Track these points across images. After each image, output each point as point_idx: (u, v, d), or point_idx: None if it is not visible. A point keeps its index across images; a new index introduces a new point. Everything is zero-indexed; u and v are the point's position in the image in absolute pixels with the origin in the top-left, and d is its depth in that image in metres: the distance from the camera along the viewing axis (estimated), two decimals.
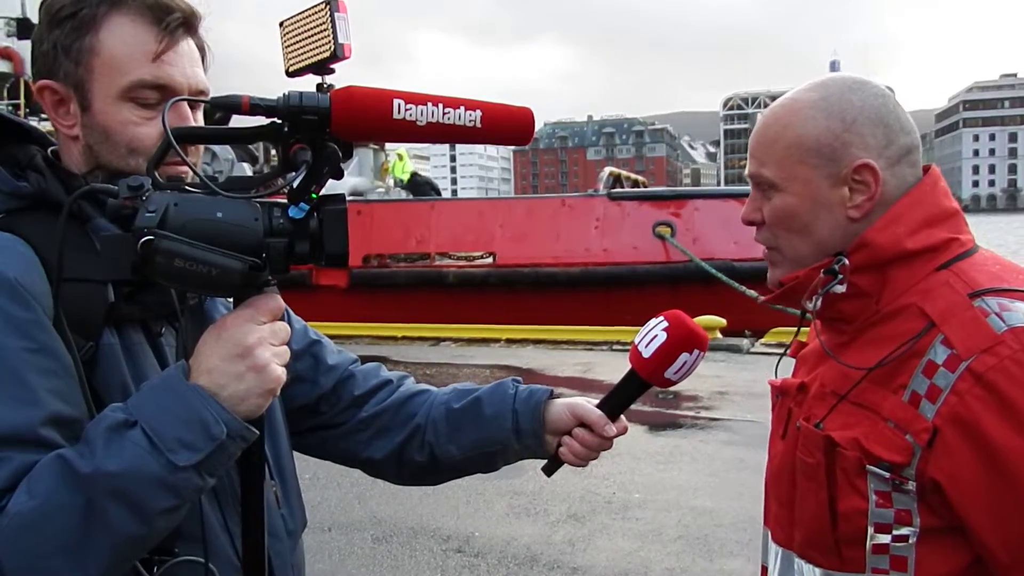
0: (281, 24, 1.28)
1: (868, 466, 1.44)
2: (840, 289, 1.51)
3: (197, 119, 1.50)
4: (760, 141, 1.59)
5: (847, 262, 1.50)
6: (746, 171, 1.64)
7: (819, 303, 1.53)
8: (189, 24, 1.47)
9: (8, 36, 21.58)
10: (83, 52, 1.42)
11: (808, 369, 1.65)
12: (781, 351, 1.84)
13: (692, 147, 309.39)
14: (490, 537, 5.77)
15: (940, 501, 1.40)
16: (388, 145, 19.38)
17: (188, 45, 1.47)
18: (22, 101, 18.88)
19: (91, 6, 1.42)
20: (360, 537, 5.81)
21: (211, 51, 1.53)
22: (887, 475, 1.42)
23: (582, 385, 9.86)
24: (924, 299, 1.46)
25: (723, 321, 11.55)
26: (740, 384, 9.58)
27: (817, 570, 1.55)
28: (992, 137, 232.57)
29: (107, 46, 1.41)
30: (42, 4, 1.46)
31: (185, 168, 1.44)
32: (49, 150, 1.50)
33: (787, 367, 1.78)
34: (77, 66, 1.42)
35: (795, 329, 1.77)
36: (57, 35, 1.42)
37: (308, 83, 1.24)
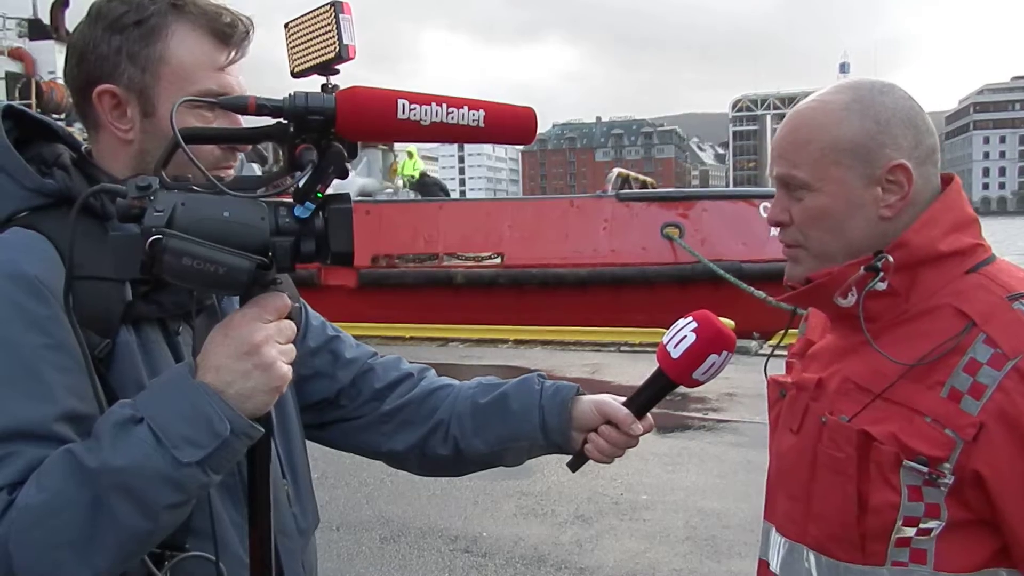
0: (286, 25, 1.30)
1: (905, 460, 1.47)
2: (882, 286, 1.54)
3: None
4: (791, 143, 1.61)
5: (891, 259, 1.53)
6: (772, 173, 1.65)
7: (859, 300, 1.55)
8: (248, 35, 1.52)
9: (20, 37, 21.69)
10: (151, 59, 1.45)
11: (822, 366, 1.67)
12: (781, 351, 1.85)
13: (701, 148, 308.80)
14: (498, 537, 5.79)
15: (977, 494, 1.45)
16: (397, 145, 19.43)
17: (244, 53, 1.52)
18: (33, 101, 18.95)
19: (158, 15, 1.45)
20: (368, 537, 5.83)
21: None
22: (924, 469, 1.46)
23: (590, 386, 9.74)
24: (959, 300, 1.51)
25: (731, 322, 11.47)
26: (748, 385, 9.54)
27: (834, 563, 1.57)
28: (1003, 139, 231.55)
29: (176, 55, 1.45)
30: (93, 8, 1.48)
31: (231, 169, 1.49)
32: (83, 149, 1.53)
33: (774, 366, 1.81)
34: (143, 72, 1.45)
35: (784, 331, 1.80)
36: (120, 41, 1.45)
37: (313, 84, 1.26)
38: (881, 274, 1.53)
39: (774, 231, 1.72)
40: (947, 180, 1.63)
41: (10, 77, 20.26)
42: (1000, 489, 1.43)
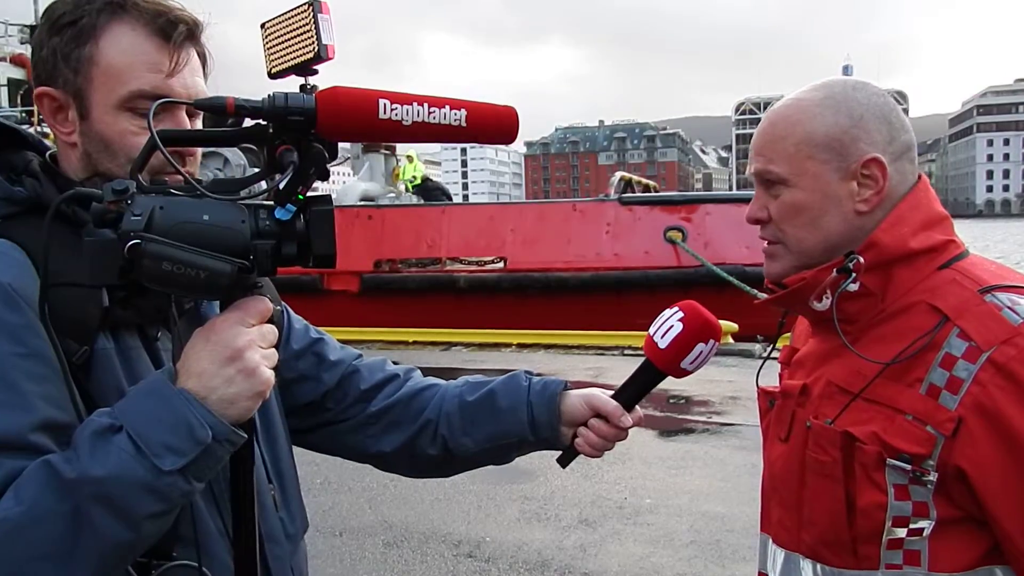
0: (263, 25, 1.27)
1: (888, 459, 1.47)
2: (853, 287, 1.54)
3: (195, 126, 1.49)
4: (767, 139, 1.63)
5: (862, 260, 1.54)
6: (750, 170, 1.67)
7: (832, 302, 1.56)
8: (193, 35, 1.47)
9: (22, 43, 21.79)
10: (82, 61, 1.41)
11: (807, 372, 1.67)
12: (768, 358, 1.85)
13: (704, 152, 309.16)
14: (501, 542, 5.77)
15: (962, 490, 1.45)
16: (398, 149, 19.45)
17: (189, 54, 1.47)
18: (35, 108, 18.99)
19: (91, 15, 1.41)
20: (371, 542, 5.81)
21: (212, 58, 1.53)
22: (907, 467, 1.46)
23: None
24: (933, 296, 1.51)
25: (735, 326, 11.51)
26: (751, 389, 9.32)
27: (828, 569, 1.57)
28: (1007, 142, 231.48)
29: (106, 56, 1.41)
30: (44, 10, 1.46)
31: (179, 176, 1.44)
32: (48, 155, 1.50)
33: (766, 374, 1.82)
34: (76, 74, 1.42)
35: (777, 335, 1.82)
36: (57, 42, 1.42)
37: (291, 85, 1.23)
38: (853, 275, 1.54)
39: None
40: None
41: (12, 84, 20.34)
42: (983, 484, 1.43)
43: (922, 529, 1.47)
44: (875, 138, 1.56)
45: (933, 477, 1.45)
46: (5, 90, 20.41)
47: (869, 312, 1.57)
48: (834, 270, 1.55)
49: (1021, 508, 1.42)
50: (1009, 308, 1.45)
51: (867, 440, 1.50)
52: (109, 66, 1.41)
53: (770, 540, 1.73)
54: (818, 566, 1.58)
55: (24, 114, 17.57)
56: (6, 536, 1.15)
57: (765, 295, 1.71)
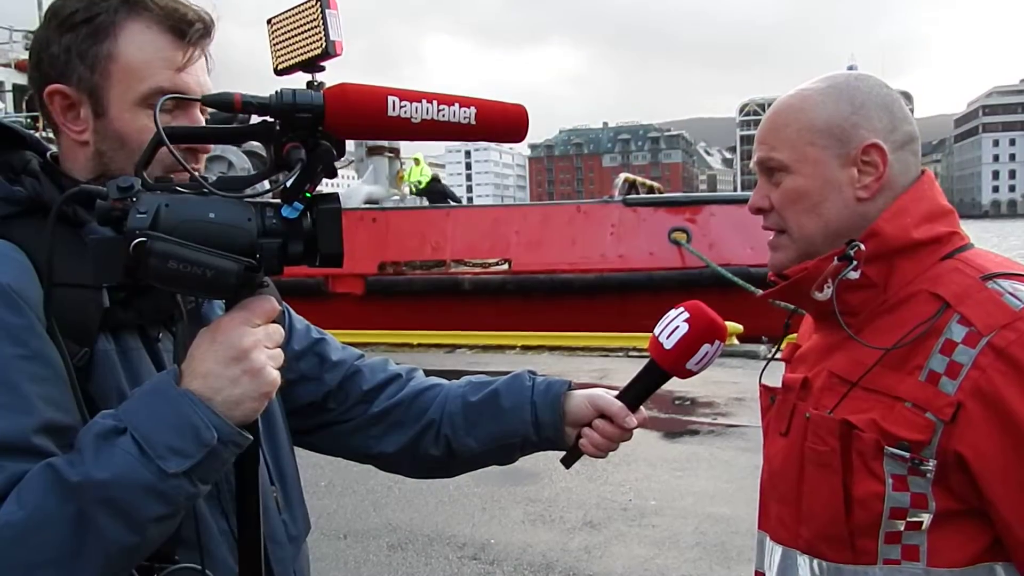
0: (269, 21, 1.26)
1: (886, 447, 1.46)
2: (854, 275, 1.54)
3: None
4: (770, 127, 1.64)
5: (863, 247, 1.53)
6: (753, 161, 1.68)
7: (832, 291, 1.56)
8: (208, 33, 1.46)
9: (26, 49, 21.82)
10: (100, 58, 1.40)
11: (809, 366, 1.66)
12: (772, 358, 1.84)
13: (708, 153, 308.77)
14: (506, 544, 5.76)
15: (962, 479, 1.43)
16: (404, 152, 19.46)
17: (203, 52, 1.47)
18: (40, 112, 19.01)
19: (108, 12, 1.41)
20: (375, 545, 5.81)
21: (212, 57, 1.52)
22: (906, 455, 1.45)
23: None
24: (935, 284, 1.51)
25: (740, 327, 11.50)
26: (757, 390, 9.49)
27: (826, 565, 1.55)
28: (1012, 142, 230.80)
29: (125, 53, 1.40)
30: (49, 7, 1.45)
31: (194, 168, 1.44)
32: (48, 155, 1.49)
33: (769, 375, 1.80)
34: (92, 72, 1.41)
35: (783, 335, 1.80)
36: (70, 39, 1.41)
37: (297, 82, 1.22)
38: (854, 263, 1.54)
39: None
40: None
41: (17, 89, 20.36)
42: (983, 470, 1.41)
43: (920, 523, 1.46)
44: (876, 125, 1.57)
45: (932, 466, 1.43)
46: (11, 96, 20.44)
47: (871, 304, 1.56)
48: (835, 258, 1.55)
49: (1021, 494, 1.40)
50: (1011, 294, 1.45)
51: (865, 428, 1.49)
52: (128, 63, 1.40)
53: (767, 537, 1.71)
54: (815, 562, 1.56)
55: (30, 120, 17.58)
56: (9, 541, 1.13)
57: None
